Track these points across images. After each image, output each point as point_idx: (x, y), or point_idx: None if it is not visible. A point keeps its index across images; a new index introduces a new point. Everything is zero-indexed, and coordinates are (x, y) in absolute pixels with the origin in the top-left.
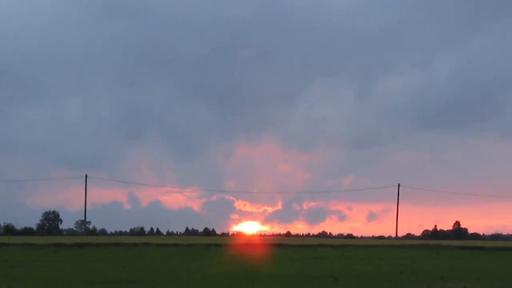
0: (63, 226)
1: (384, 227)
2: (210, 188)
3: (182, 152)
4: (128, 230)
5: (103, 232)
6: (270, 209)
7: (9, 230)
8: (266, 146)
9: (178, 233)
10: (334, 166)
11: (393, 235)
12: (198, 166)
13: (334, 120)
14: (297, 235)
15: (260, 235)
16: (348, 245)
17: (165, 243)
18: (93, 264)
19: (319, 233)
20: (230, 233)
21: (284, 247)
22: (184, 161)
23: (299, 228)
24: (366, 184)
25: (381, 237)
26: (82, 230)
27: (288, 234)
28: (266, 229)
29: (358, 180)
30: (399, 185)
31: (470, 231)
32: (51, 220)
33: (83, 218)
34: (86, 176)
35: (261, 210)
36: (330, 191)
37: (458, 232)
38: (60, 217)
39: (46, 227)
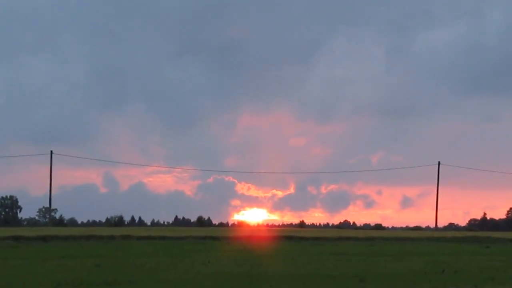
0: (22, 215)
1: (421, 216)
2: (206, 167)
3: (171, 123)
4: (103, 220)
5: (72, 222)
6: (280, 194)
7: None
8: (276, 115)
9: (166, 223)
10: (360, 140)
11: (432, 225)
12: (191, 141)
13: (360, 82)
14: (313, 226)
15: (268, 225)
16: (376, 237)
17: (149, 236)
18: (59, 261)
19: (340, 223)
20: (230, 224)
21: (297, 240)
22: (174, 134)
23: (316, 217)
24: (399, 162)
25: (417, 228)
26: (47, 219)
27: (302, 224)
28: (275, 218)
29: (389, 157)
30: (439, 163)
31: None
32: (7, 207)
33: (47, 205)
34: (51, 152)
35: (269, 194)
36: (354, 171)
37: None
38: (19, 204)
39: (1, 216)
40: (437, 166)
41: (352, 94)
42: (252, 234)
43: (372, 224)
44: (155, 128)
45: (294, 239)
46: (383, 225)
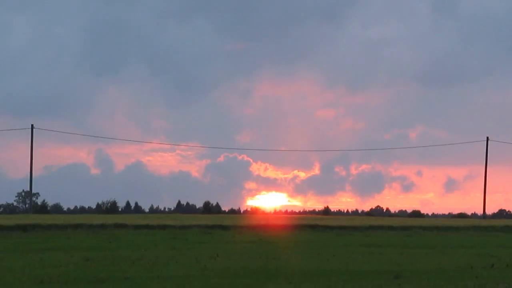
0: None
1: (467, 201)
2: (216, 144)
3: (176, 92)
4: (94, 206)
5: (57, 209)
6: (302, 175)
7: None
8: (300, 82)
9: (167, 209)
10: (397, 112)
11: (480, 212)
12: (199, 113)
13: (400, 44)
14: (339, 212)
15: (287, 212)
16: (414, 226)
17: (147, 225)
18: (42, 255)
19: (371, 209)
20: (243, 210)
21: (321, 229)
22: (179, 104)
23: (344, 202)
24: (444, 138)
25: (462, 216)
26: (27, 205)
27: (326, 211)
28: (296, 203)
29: (431, 132)
30: (487, 139)
31: None
32: None
33: (27, 189)
34: (32, 127)
35: (289, 176)
36: (390, 148)
37: None
38: None
39: None
40: (486, 142)
41: (390, 58)
42: (268, 222)
43: (409, 210)
44: (157, 98)
45: (318, 228)
46: (422, 212)
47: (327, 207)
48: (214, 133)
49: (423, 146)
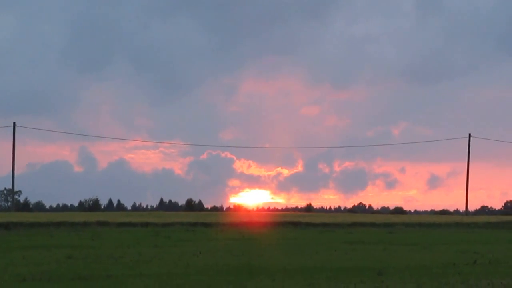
0: None
1: (450, 198)
2: (199, 141)
3: (159, 89)
4: (76, 204)
5: (39, 207)
6: (286, 172)
7: None
8: (285, 79)
9: (150, 207)
10: (381, 109)
11: (462, 208)
12: (183, 110)
13: (384, 41)
14: (322, 209)
15: (269, 209)
16: (396, 223)
17: (130, 222)
18: (24, 253)
19: (353, 206)
20: (225, 208)
21: (304, 226)
22: (162, 102)
23: (327, 199)
24: (427, 135)
25: (444, 212)
26: (9, 203)
27: (309, 208)
28: (279, 201)
29: (414, 128)
30: (469, 136)
31: None
32: None
33: (10, 187)
34: (14, 125)
35: (273, 173)
36: (373, 145)
37: None
38: None
39: None
40: (468, 139)
41: (374, 55)
42: (251, 219)
43: (392, 207)
44: (140, 95)
45: (301, 226)
46: (405, 208)
47: (310, 204)
48: (198, 130)
49: (406, 143)
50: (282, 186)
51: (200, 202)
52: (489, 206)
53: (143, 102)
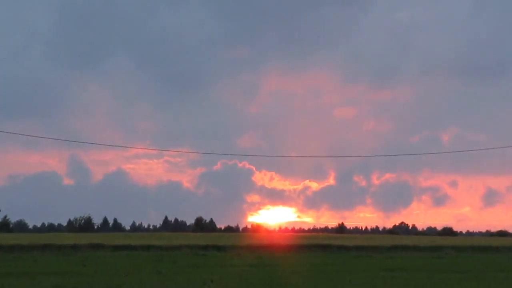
0: None
1: (511, 217)
2: (212, 149)
3: (166, 88)
4: (65, 223)
5: (21, 227)
6: (315, 186)
7: None
8: (315, 75)
9: (152, 227)
10: (428, 111)
11: None
12: (193, 112)
13: (433, 30)
14: (357, 230)
15: (295, 229)
16: (445, 246)
17: (128, 245)
18: (3, 281)
19: (394, 226)
20: (243, 227)
21: (335, 250)
22: (168, 103)
23: (363, 218)
24: (482, 141)
25: (502, 233)
26: None
27: (341, 228)
28: (307, 220)
29: (467, 134)
30: None
31: None
32: None
33: None
34: None
35: (299, 187)
36: (419, 154)
37: None
38: None
39: None
40: None
41: (422, 46)
42: (272, 241)
43: (439, 228)
44: (143, 95)
45: (332, 249)
46: (455, 229)
47: (342, 223)
48: (210, 136)
49: (458, 151)
50: (310, 202)
51: (211, 221)
52: None
53: (146, 103)
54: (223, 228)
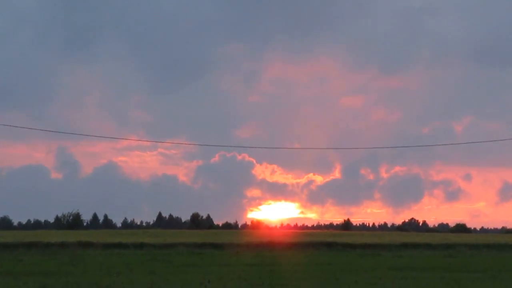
0: None
1: None
2: (209, 141)
3: (160, 75)
4: (52, 220)
5: (5, 224)
6: (320, 180)
7: None
8: (320, 61)
9: (145, 223)
10: (441, 99)
11: None
12: (189, 101)
13: (447, 12)
14: (364, 227)
15: (298, 226)
16: (457, 244)
17: (120, 243)
18: None
19: (403, 222)
20: (242, 224)
21: (341, 248)
22: (163, 90)
23: (371, 214)
24: (499, 131)
25: None
26: None
27: (347, 225)
28: (311, 216)
29: (483, 124)
30: None
31: None
32: None
33: None
34: None
35: (303, 180)
36: (431, 145)
37: None
38: None
39: None
40: None
41: (434, 30)
42: (274, 239)
43: (451, 224)
44: (136, 82)
45: (337, 247)
46: (468, 226)
47: (348, 220)
48: (208, 127)
49: (473, 142)
50: (314, 197)
51: (209, 217)
52: None
53: (139, 91)
54: (221, 225)
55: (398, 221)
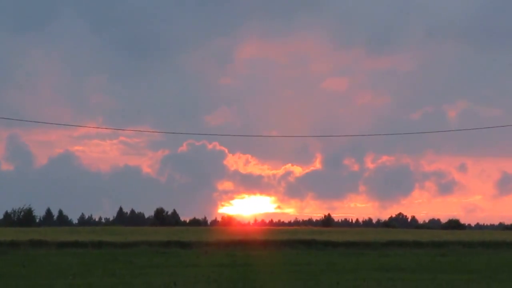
0: None
1: None
2: (176, 128)
3: (123, 55)
4: (0, 216)
5: None
6: (299, 171)
7: None
8: (300, 39)
9: (104, 220)
10: (433, 80)
11: None
12: (154, 83)
13: None
14: (347, 223)
15: (274, 223)
16: (450, 242)
17: (76, 242)
18: None
19: (391, 217)
20: (212, 220)
21: (321, 247)
22: (125, 72)
23: (355, 209)
24: (496, 117)
25: None
26: None
27: (328, 221)
28: (288, 211)
29: (478, 109)
30: None
31: None
32: None
33: None
34: None
35: (280, 172)
36: (422, 132)
37: None
38: None
39: None
40: None
41: (427, 5)
42: (247, 237)
43: (443, 220)
44: (96, 62)
45: (316, 245)
46: (462, 221)
47: (329, 215)
48: (175, 112)
49: (467, 129)
50: (292, 190)
51: (175, 212)
52: None
53: (99, 72)
54: (188, 221)
55: (385, 216)
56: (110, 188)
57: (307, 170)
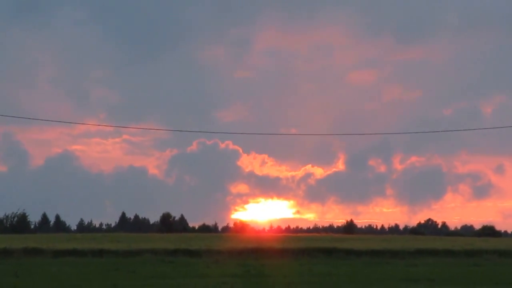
0: None
1: None
2: (186, 126)
3: (127, 45)
4: None
5: None
6: (319, 173)
7: None
8: (322, 29)
9: (106, 226)
10: (468, 73)
11: None
12: (161, 77)
13: None
14: (371, 230)
15: (292, 229)
16: (485, 250)
17: (74, 250)
18: None
19: (419, 224)
20: (223, 226)
21: (343, 255)
22: (129, 64)
23: (381, 214)
24: None
25: None
26: None
27: (350, 227)
28: (308, 216)
29: None
30: None
31: None
32: None
33: None
34: None
35: (299, 173)
36: (455, 130)
37: None
38: None
39: None
40: None
41: None
42: (262, 245)
43: (477, 226)
44: (98, 54)
45: (338, 254)
46: (497, 228)
47: (351, 221)
48: (184, 108)
49: (505, 127)
50: (312, 193)
51: (182, 218)
52: None
53: (101, 65)
54: (197, 227)
55: (413, 222)
56: (112, 191)
57: (329, 172)
